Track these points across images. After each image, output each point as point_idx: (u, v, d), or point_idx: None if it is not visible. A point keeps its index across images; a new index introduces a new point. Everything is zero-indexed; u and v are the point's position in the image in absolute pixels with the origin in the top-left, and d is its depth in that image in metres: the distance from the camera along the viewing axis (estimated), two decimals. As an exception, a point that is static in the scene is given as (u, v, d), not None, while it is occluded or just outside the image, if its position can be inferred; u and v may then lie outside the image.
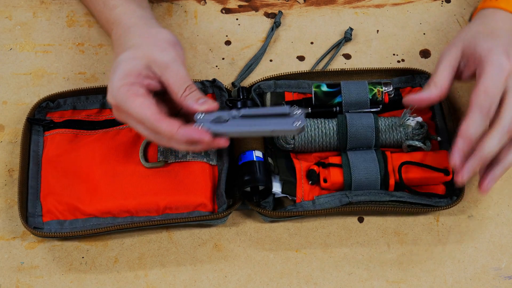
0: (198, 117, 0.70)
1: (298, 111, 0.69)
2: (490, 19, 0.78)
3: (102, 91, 0.83)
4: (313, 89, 0.81)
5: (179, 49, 0.74)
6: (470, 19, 0.80)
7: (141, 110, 0.69)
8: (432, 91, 0.73)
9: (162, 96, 0.73)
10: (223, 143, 0.70)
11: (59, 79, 0.88)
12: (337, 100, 0.81)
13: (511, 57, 0.72)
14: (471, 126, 0.70)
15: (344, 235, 0.78)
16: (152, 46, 0.73)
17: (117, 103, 0.70)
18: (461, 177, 0.71)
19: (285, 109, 0.70)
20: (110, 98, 0.71)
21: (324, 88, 0.81)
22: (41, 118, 0.82)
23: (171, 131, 0.69)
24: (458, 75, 0.75)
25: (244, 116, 0.71)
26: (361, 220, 0.79)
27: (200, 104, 0.70)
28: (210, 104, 0.71)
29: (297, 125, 0.69)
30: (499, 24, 0.76)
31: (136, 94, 0.70)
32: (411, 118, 0.78)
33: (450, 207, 0.76)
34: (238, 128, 0.71)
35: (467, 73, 0.75)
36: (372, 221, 0.79)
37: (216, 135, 0.70)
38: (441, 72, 0.74)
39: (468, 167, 0.71)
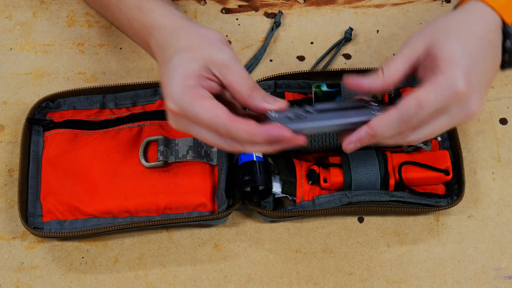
0: (272, 115, 0.66)
1: (374, 103, 0.66)
2: (470, 15, 0.68)
3: (102, 91, 0.83)
4: (313, 89, 0.81)
5: (232, 49, 0.69)
6: (455, 7, 0.71)
7: (213, 113, 0.63)
8: (375, 81, 0.65)
9: (218, 98, 0.67)
10: (302, 140, 0.64)
11: (59, 79, 0.88)
12: (337, 100, 0.81)
13: (468, 79, 0.63)
14: (382, 126, 0.64)
15: (344, 235, 0.78)
16: (208, 46, 0.66)
17: (181, 109, 0.64)
18: (345, 146, 0.67)
19: (360, 101, 0.67)
20: (172, 105, 0.64)
21: (324, 88, 0.81)
22: (41, 118, 0.82)
23: (250, 131, 0.63)
24: (414, 71, 0.67)
25: (320, 111, 0.67)
26: (361, 220, 0.79)
27: (271, 102, 0.66)
28: (281, 102, 0.66)
29: (377, 115, 0.65)
30: (476, 27, 0.67)
31: (202, 97, 0.64)
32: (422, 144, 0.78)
33: (450, 207, 0.76)
34: (317, 123, 0.67)
35: (421, 73, 0.66)
36: (372, 221, 0.79)
37: (295, 132, 0.65)
38: (395, 63, 0.66)
39: (355, 138, 0.66)
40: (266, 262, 0.77)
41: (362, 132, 0.65)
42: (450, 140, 0.81)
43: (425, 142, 0.79)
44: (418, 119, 0.63)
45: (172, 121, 0.66)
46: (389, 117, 0.64)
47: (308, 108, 0.67)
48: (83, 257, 0.77)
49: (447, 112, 0.64)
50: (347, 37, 0.90)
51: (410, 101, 0.63)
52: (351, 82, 0.66)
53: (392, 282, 0.76)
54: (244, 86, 0.65)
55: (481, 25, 0.67)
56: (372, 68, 0.85)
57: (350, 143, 0.66)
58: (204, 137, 0.66)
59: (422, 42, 0.66)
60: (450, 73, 0.63)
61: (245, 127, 0.63)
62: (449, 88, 0.62)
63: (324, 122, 0.67)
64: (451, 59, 0.64)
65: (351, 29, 0.90)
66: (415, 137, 0.65)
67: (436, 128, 0.65)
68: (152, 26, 0.71)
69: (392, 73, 0.65)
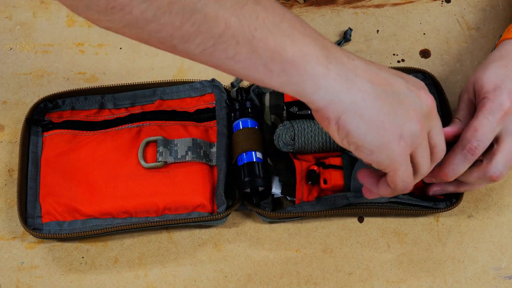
0: None
1: None
2: (504, 49, 0.75)
3: (101, 91, 0.83)
4: (313, 90, 0.81)
5: None
6: (493, 49, 0.78)
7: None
8: (456, 126, 0.73)
9: None
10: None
11: (59, 79, 0.88)
12: None
13: None
14: (450, 169, 0.71)
15: (344, 235, 0.78)
16: None
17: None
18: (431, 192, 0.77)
19: None
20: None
21: (324, 88, 0.81)
22: (39, 119, 0.82)
23: None
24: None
25: None
26: (361, 220, 0.79)
27: None
28: None
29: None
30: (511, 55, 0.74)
31: None
32: None
33: (449, 209, 0.76)
34: None
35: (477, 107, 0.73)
36: (372, 221, 0.79)
37: None
38: (461, 109, 0.74)
39: (440, 187, 0.76)
40: (266, 262, 0.77)
41: (435, 189, 0.76)
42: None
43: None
44: (479, 144, 0.69)
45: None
46: (452, 156, 0.70)
47: None
48: (83, 257, 0.77)
49: (506, 132, 0.70)
50: (347, 37, 0.90)
51: (466, 131, 0.70)
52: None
53: (392, 282, 0.76)
54: None
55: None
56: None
57: (435, 191, 0.77)
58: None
59: (470, 84, 0.74)
60: (495, 96, 0.70)
61: None
62: (497, 108, 0.69)
63: None
64: (495, 84, 0.71)
65: (350, 29, 0.90)
66: (495, 169, 0.70)
67: (506, 150, 0.70)
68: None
69: (465, 118, 0.73)
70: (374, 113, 0.57)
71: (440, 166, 0.71)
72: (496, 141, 0.71)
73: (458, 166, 0.70)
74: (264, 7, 0.56)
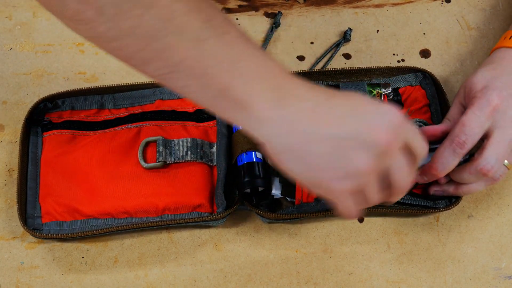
0: None
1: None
2: (500, 57, 0.77)
3: (100, 91, 0.83)
4: (312, 90, 0.81)
5: None
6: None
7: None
8: (445, 124, 0.74)
9: None
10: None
11: (59, 79, 0.88)
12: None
13: (500, 93, 0.71)
14: (439, 163, 0.71)
15: (344, 235, 0.78)
16: None
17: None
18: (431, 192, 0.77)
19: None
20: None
21: (323, 89, 0.81)
22: (39, 119, 0.82)
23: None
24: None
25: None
26: (361, 220, 0.79)
27: None
28: None
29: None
30: (506, 62, 0.75)
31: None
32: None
33: (449, 208, 0.76)
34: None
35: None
36: (372, 221, 0.79)
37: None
38: (453, 109, 0.76)
39: (440, 188, 0.76)
40: (266, 262, 0.77)
41: (421, 180, 0.75)
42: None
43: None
44: (467, 139, 0.70)
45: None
46: (440, 151, 0.71)
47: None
48: (83, 257, 0.77)
49: (495, 126, 0.70)
50: (346, 37, 0.90)
51: (455, 127, 0.71)
52: (428, 131, 0.74)
53: (392, 282, 0.76)
54: None
55: (503, 56, 0.76)
56: (371, 67, 0.85)
57: (436, 191, 0.77)
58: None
59: (462, 87, 0.76)
60: (483, 94, 0.71)
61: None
62: (485, 103, 0.70)
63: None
64: (482, 86, 0.72)
65: (350, 29, 0.90)
66: (486, 162, 0.71)
67: (495, 144, 0.71)
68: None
69: (454, 117, 0.75)
70: (312, 158, 0.58)
71: (430, 162, 0.72)
72: (486, 136, 0.71)
73: (448, 160, 0.71)
74: (224, 44, 0.57)
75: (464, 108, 0.75)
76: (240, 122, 0.59)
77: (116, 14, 0.54)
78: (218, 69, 0.57)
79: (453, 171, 0.73)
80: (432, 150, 0.72)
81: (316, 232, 0.79)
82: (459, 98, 0.76)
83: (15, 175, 0.81)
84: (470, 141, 0.70)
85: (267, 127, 0.58)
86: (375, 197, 0.61)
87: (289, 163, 0.59)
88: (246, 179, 0.76)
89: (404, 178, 0.61)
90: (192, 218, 0.76)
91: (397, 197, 0.64)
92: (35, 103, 0.82)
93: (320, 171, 0.59)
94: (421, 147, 0.62)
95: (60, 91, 0.83)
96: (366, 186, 0.60)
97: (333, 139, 0.57)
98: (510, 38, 0.77)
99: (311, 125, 0.58)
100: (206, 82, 0.57)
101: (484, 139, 0.72)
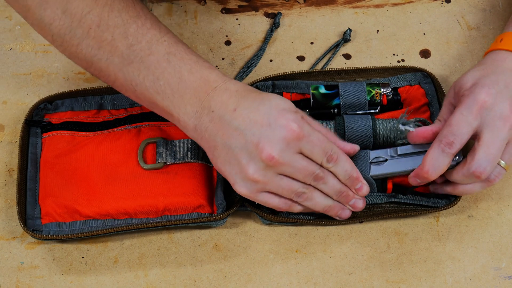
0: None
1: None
2: (491, 58, 0.77)
3: (100, 92, 0.83)
4: (311, 91, 0.81)
5: None
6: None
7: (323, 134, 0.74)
8: (437, 125, 0.74)
9: None
10: (364, 190, 0.74)
11: (59, 79, 0.88)
12: (335, 102, 0.80)
13: (488, 91, 0.71)
14: (429, 165, 0.71)
15: (344, 235, 0.78)
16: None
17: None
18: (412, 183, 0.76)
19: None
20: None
21: (322, 90, 0.81)
22: (39, 120, 0.82)
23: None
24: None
25: (402, 155, 0.74)
26: (361, 220, 0.79)
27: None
28: (352, 147, 0.75)
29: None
30: (497, 63, 0.76)
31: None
32: (407, 126, 0.77)
33: (449, 207, 0.76)
34: (398, 168, 0.74)
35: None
36: (372, 221, 0.79)
37: (373, 177, 0.74)
38: (443, 109, 0.76)
39: (439, 185, 0.77)
40: (266, 262, 0.77)
41: (414, 183, 0.75)
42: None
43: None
44: (455, 138, 0.70)
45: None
46: (429, 153, 0.71)
47: (390, 152, 0.75)
48: (83, 257, 0.77)
49: (484, 126, 0.70)
50: (346, 38, 0.90)
51: (443, 128, 0.71)
52: (418, 134, 0.74)
53: (392, 282, 0.76)
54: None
55: (502, 61, 0.75)
56: (371, 67, 0.85)
57: (436, 189, 0.77)
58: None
59: (452, 88, 0.76)
60: (470, 92, 0.72)
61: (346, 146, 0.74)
62: (472, 102, 0.71)
63: (404, 168, 0.74)
64: (470, 84, 0.73)
65: (350, 30, 0.90)
66: (478, 165, 0.71)
67: (486, 145, 0.70)
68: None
69: (445, 117, 0.75)
70: (216, 162, 0.72)
71: (420, 164, 0.72)
72: (476, 137, 0.71)
73: (438, 161, 0.71)
74: (146, 66, 0.71)
75: (454, 108, 0.74)
76: (173, 123, 0.74)
77: (62, 42, 0.71)
78: (143, 87, 0.71)
79: (447, 172, 0.73)
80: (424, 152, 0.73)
81: (316, 232, 0.79)
82: (449, 98, 0.76)
83: (15, 175, 0.81)
84: (459, 141, 0.70)
85: (190, 131, 0.72)
86: (275, 203, 0.72)
87: (213, 163, 0.73)
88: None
89: (278, 200, 0.72)
90: (192, 219, 0.76)
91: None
92: (34, 104, 0.82)
93: (226, 175, 0.71)
94: (317, 153, 0.70)
95: (59, 92, 0.83)
96: (270, 189, 0.71)
97: (228, 149, 0.69)
98: (501, 41, 0.77)
99: (215, 134, 0.70)
100: (138, 96, 0.73)
101: (474, 139, 0.71)
